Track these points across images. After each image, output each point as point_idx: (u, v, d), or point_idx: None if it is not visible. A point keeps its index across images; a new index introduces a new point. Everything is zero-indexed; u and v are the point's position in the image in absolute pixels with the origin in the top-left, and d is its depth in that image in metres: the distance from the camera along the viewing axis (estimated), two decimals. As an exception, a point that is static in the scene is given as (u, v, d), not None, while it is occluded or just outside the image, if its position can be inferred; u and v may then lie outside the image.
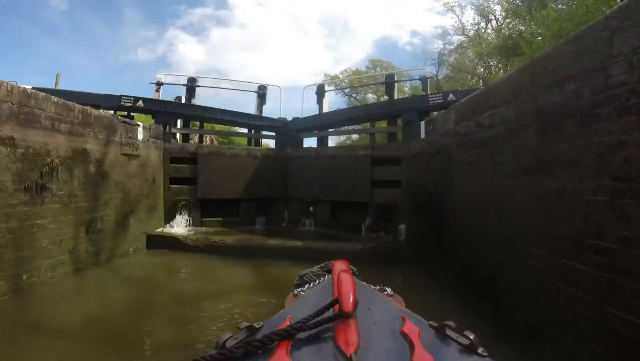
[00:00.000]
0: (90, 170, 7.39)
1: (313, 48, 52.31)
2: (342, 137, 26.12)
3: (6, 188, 5.54)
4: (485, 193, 4.88)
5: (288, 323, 1.11)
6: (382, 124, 10.52)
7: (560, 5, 17.58)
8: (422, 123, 7.90)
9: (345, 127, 14.40)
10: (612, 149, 2.69)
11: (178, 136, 11.04)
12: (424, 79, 10.85)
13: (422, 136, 7.81)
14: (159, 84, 11.47)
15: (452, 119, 6.24)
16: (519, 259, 3.84)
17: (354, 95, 40.56)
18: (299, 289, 1.80)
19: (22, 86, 6.49)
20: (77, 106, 7.23)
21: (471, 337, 1.03)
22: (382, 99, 36.39)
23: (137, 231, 8.69)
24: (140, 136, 8.90)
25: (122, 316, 5.00)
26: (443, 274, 5.96)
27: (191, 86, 11.49)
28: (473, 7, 29.64)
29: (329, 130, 11.28)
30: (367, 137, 11.61)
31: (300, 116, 11.71)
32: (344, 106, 37.93)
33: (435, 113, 8.55)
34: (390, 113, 10.09)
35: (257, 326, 1.15)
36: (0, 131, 5.50)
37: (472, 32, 29.93)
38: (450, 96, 8.68)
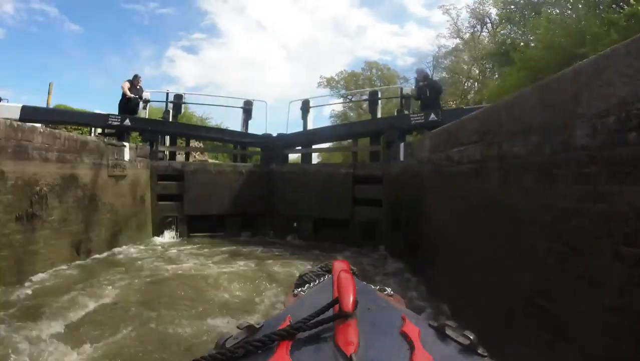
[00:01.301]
0: (79, 194, 7.60)
1: (298, 67, 59.74)
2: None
3: None
4: (447, 224, 5.21)
5: (288, 323, 1.12)
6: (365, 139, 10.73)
7: (555, 11, 17.71)
8: (402, 145, 8.16)
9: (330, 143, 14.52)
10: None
11: (167, 152, 11.28)
12: (406, 97, 10.97)
13: (402, 157, 8.08)
14: (145, 102, 11.64)
15: (427, 146, 6.53)
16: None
17: (350, 97, 40.74)
18: (299, 289, 1.77)
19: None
20: (63, 134, 7.47)
21: (471, 337, 1.04)
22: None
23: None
24: (126, 157, 9.11)
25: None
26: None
27: (177, 103, 11.70)
28: (469, 9, 29.52)
29: (313, 147, 11.45)
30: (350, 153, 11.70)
31: (285, 131, 11.89)
32: (339, 107, 38.73)
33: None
34: (372, 131, 10.33)
35: (257, 326, 1.17)
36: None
37: (467, 35, 30.18)
38: (432, 116, 8.78)
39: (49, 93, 20.55)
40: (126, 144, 9.25)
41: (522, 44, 18.84)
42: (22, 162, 6.34)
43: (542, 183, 3.12)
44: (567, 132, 2.86)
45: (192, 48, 62.24)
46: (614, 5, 14.62)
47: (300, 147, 11.59)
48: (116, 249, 8.51)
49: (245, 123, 11.98)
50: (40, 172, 6.71)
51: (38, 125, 7.66)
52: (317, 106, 12.79)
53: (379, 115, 10.94)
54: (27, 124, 6.86)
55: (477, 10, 28.67)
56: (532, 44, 15.83)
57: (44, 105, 13.95)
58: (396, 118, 10.40)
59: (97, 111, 12.28)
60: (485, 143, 4.30)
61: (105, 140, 8.81)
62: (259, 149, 11.67)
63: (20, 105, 10.37)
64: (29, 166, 6.49)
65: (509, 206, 3.63)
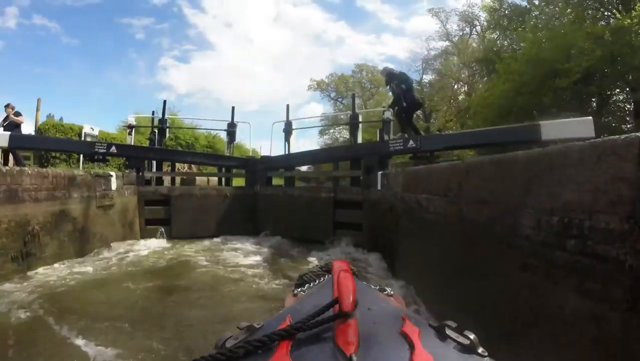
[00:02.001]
0: (69, 229, 7.87)
1: (284, 74, 65.96)
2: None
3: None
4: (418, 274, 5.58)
5: (288, 323, 1.12)
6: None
7: (542, 18, 17.81)
8: (379, 174, 8.52)
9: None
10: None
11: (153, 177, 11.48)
12: (386, 122, 11.21)
13: (379, 186, 8.46)
14: (130, 127, 11.81)
15: (400, 182, 6.90)
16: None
17: (340, 99, 41.29)
18: (299, 289, 1.77)
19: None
20: (51, 172, 7.68)
21: (471, 337, 1.05)
22: (368, 102, 37.71)
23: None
24: (114, 186, 9.36)
25: None
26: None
27: (161, 127, 11.96)
28: (457, 13, 30.05)
29: (295, 169, 11.72)
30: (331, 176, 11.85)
31: (269, 153, 12.17)
32: (330, 109, 39.54)
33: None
34: (352, 156, 10.59)
35: (257, 326, 1.17)
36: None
37: (456, 38, 30.86)
38: (411, 142, 9.06)
39: (37, 109, 20.34)
40: (113, 173, 9.49)
41: (508, 53, 19.08)
42: (14, 205, 6.63)
43: (495, 257, 3.40)
44: (516, 219, 3.04)
45: (183, 58, 69.28)
46: (603, 11, 14.95)
47: (282, 170, 11.90)
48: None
49: (230, 146, 12.26)
50: (32, 212, 7.00)
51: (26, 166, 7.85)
52: (299, 128, 12.99)
53: (359, 139, 11.27)
54: (16, 168, 7.07)
55: (466, 13, 29.37)
56: (518, 55, 16.05)
57: (33, 120, 14.19)
58: (375, 144, 10.68)
59: (87, 125, 12.46)
60: (448, 200, 4.66)
61: (92, 172, 9.01)
62: (243, 171, 11.95)
63: (8, 133, 10.46)
64: (21, 208, 6.77)
65: (469, 267, 3.96)
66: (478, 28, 29.33)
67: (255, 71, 65.43)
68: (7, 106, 11.16)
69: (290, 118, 12.29)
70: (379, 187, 8.47)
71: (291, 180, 11.86)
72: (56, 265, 7.32)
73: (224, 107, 64.92)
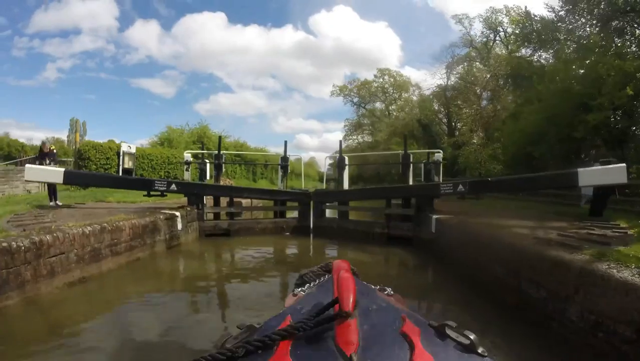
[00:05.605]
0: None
1: (281, 104, 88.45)
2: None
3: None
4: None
5: (288, 322, 1.12)
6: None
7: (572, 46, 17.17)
8: (434, 218, 8.81)
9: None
10: None
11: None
12: (437, 163, 11.66)
13: (433, 229, 8.75)
14: (187, 163, 12.34)
15: (453, 235, 7.44)
16: None
17: (363, 105, 41.75)
18: (299, 289, 1.77)
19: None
20: (127, 224, 8.21)
21: (471, 337, 1.04)
22: (390, 108, 38.08)
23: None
24: (179, 226, 9.94)
25: None
26: None
27: (218, 163, 12.39)
28: (481, 19, 29.99)
29: (350, 205, 12.23)
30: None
31: (322, 186, 12.45)
32: (353, 115, 41.78)
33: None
34: (404, 195, 11.03)
35: (258, 326, 1.17)
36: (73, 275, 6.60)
37: (480, 44, 30.69)
38: (460, 187, 9.49)
39: (76, 131, 20.87)
40: (178, 214, 9.96)
41: (538, 71, 19.01)
42: (98, 263, 7.22)
43: None
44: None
45: (204, 95, 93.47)
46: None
47: (336, 203, 12.31)
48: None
49: (283, 179, 12.64)
50: (112, 265, 7.55)
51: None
52: (351, 165, 13.37)
53: (410, 179, 11.61)
54: (95, 226, 7.48)
55: (490, 19, 29.31)
56: (548, 83, 15.89)
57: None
58: (427, 186, 11.06)
59: (125, 143, 12.75)
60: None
61: (162, 216, 9.48)
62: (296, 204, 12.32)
63: (63, 170, 10.83)
64: (104, 264, 7.35)
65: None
66: (502, 34, 29.40)
67: (256, 102, 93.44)
68: (45, 144, 11.31)
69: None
70: (432, 230, 8.78)
71: (345, 214, 12.23)
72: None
73: (235, 121, 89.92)
